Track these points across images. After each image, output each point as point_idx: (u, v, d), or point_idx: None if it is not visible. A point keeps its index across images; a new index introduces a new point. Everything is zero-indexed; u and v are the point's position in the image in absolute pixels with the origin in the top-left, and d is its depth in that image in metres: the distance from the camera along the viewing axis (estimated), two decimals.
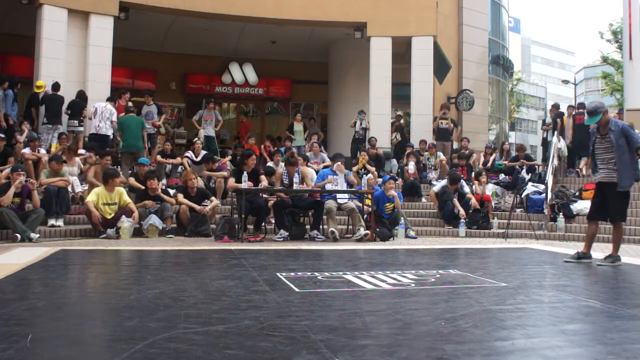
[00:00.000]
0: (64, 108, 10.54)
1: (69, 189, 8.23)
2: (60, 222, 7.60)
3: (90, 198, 7.51)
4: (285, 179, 7.89)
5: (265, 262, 5.28)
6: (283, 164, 10.04)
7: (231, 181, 7.74)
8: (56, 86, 10.42)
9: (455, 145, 13.62)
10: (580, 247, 5.73)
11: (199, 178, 8.84)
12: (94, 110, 10.28)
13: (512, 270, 5.05)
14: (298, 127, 13.44)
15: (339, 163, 8.58)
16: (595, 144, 5.47)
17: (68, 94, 10.76)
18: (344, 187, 8.43)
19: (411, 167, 10.59)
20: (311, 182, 8.29)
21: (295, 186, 7.75)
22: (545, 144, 12.71)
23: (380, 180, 9.87)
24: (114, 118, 10.32)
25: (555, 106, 12.93)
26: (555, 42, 76.65)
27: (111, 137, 10.55)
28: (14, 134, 9.73)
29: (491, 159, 11.87)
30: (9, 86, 10.24)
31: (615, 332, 2.75)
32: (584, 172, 11.34)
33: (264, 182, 7.83)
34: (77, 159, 9.13)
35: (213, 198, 8.24)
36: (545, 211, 9.12)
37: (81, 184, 8.82)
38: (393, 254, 6.33)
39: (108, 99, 10.78)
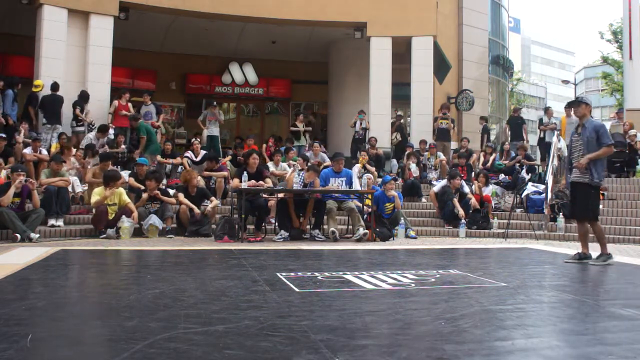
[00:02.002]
0: (63, 108, 10.55)
1: (69, 189, 8.23)
2: (60, 222, 7.60)
3: (94, 199, 7.52)
4: (300, 184, 7.79)
5: (265, 262, 5.28)
6: (285, 164, 10.07)
7: (235, 181, 7.74)
8: (55, 86, 10.40)
9: (454, 145, 13.62)
10: (580, 247, 5.73)
11: (199, 177, 8.85)
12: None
13: (512, 270, 5.05)
14: (300, 127, 13.51)
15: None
16: (572, 143, 5.57)
17: (68, 94, 10.76)
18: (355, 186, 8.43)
19: (413, 167, 10.55)
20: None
21: (296, 186, 7.75)
22: (542, 143, 12.72)
23: (380, 180, 9.87)
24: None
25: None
26: (555, 42, 76.68)
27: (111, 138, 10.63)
28: (14, 134, 9.71)
29: (491, 159, 11.87)
30: (8, 86, 10.21)
31: (615, 332, 2.75)
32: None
33: (265, 183, 7.86)
34: (72, 158, 9.13)
35: (213, 198, 8.24)
36: (545, 211, 9.12)
37: (81, 184, 8.83)
38: (393, 254, 6.33)
39: (99, 129, 10.60)
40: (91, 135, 10.44)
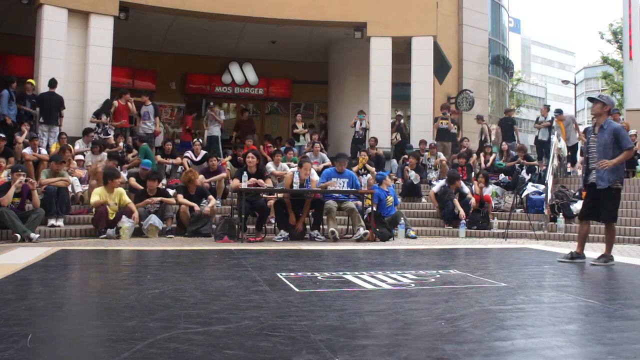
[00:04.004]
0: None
1: (69, 189, 8.22)
2: (60, 222, 7.60)
3: (94, 199, 7.52)
4: (296, 184, 7.76)
5: (265, 262, 5.28)
6: (285, 164, 10.07)
7: (236, 181, 7.74)
8: (52, 83, 10.28)
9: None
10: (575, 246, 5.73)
11: (202, 176, 8.83)
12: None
13: (512, 270, 5.05)
14: (299, 127, 13.51)
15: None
16: (589, 144, 5.50)
17: (68, 94, 10.77)
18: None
19: (413, 175, 10.52)
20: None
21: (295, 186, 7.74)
22: (538, 142, 12.72)
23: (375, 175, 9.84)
24: None
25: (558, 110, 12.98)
26: (555, 42, 76.74)
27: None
28: (13, 134, 9.67)
29: (491, 158, 11.87)
30: (4, 85, 10.14)
31: (615, 332, 2.75)
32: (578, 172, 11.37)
33: (266, 183, 7.86)
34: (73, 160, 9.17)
35: (211, 197, 8.23)
36: (545, 211, 9.12)
37: (81, 185, 8.83)
38: (393, 254, 6.33)
39: (84, 133, 10.60)
40: (80, 141, 10.39)
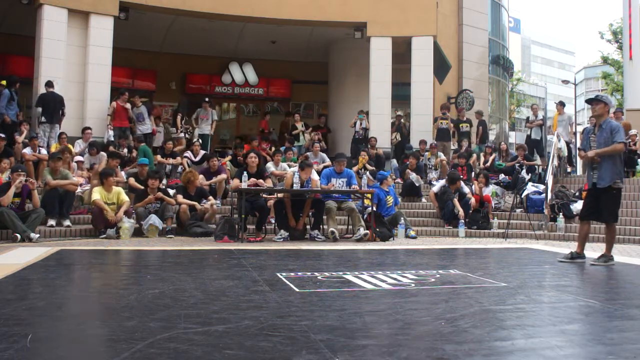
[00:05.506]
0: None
1: None
2: (67, 222, 7.61)
3: (95, 197, 7.50)
4: (297, 184, 7.75)
5: (265, 262, 5.28)
6: (285, 164, 10.06)
7: (236, 181, 7.74)
8: (49, 84, 10.27)
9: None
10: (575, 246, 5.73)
11: (202, 176, 8.82)
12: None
13: (512, 270, 5.05)
14: (299, 127, 13.49)
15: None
16: (590, 143, 5.50)
17: (68, 94, 10.77)
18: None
19: (414, 177, 10.50)
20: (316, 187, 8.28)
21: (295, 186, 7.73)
22: (529, 141, 12.71)
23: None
24: None
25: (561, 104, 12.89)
26: (555, 42, 76.73)
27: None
28: (12, 134, 9.66)
29: (491, 158, 11.87)
30: (4, 85, 10.13)
31: (615, 332, 2.75)
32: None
33: (266, 183, 7.85)
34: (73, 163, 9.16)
35: (211, 198, 8.23)
36: (545, 211, 9.11)
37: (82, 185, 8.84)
38: (393, 254, 6.33)
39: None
40: (80, 141, 10.38)
